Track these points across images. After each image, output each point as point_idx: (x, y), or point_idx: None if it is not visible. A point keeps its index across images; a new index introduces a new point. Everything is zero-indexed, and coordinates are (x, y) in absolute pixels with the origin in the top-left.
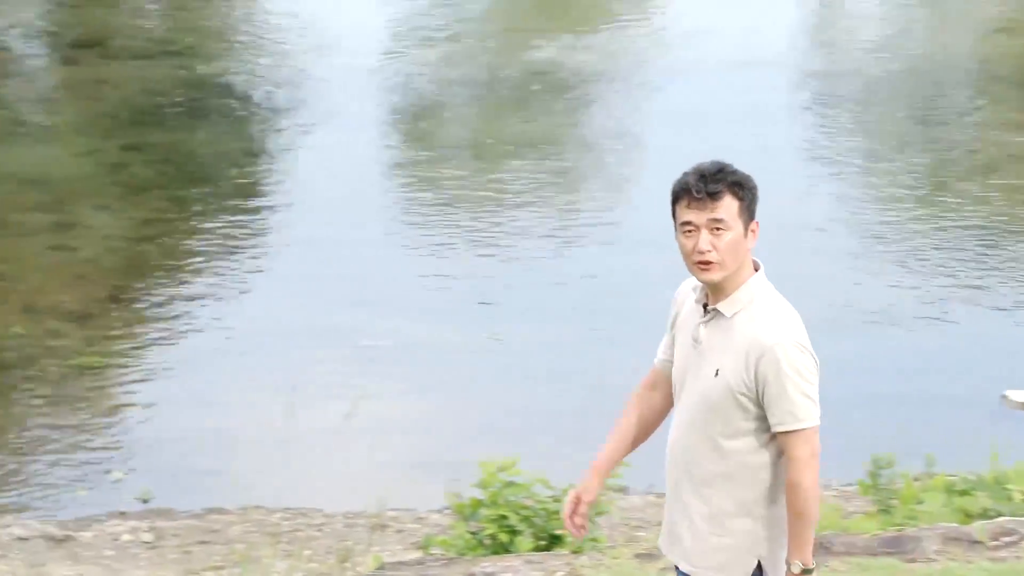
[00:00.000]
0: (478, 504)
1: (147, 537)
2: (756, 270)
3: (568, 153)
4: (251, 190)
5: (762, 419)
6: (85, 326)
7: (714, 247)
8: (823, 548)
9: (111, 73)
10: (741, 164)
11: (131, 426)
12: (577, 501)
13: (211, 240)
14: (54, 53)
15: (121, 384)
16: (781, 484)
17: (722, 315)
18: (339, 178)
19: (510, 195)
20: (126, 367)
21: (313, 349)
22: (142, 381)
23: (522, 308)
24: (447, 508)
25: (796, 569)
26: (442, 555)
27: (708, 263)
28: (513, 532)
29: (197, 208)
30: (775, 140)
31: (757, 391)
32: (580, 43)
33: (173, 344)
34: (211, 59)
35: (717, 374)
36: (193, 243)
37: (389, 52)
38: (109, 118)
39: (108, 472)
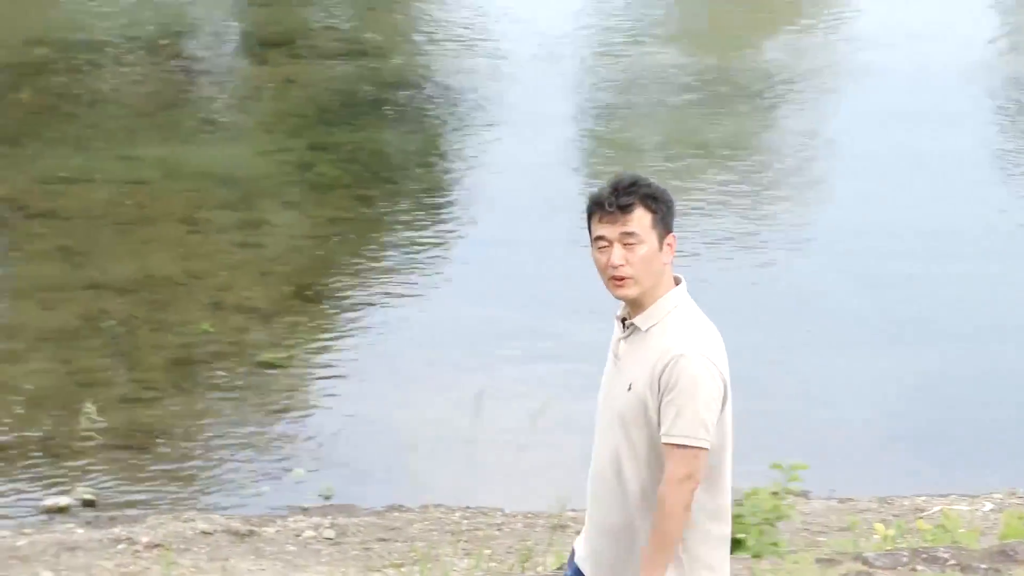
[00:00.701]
0: None
1: (329, 533)
2: (677, 284)
3: (758, 155)
4: (435, 189)
5: None
6: (270, 323)
7: (627, 261)
8: (1007, 556)
9: (299, 72)
10: (938, 169)
11: (314, 423)
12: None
13: (395, 239)
14: (244, 52)
15: (305, 381)
16: (706, 504)
17: (639, 329)
18: (524, 177)
19: (699, 197)
20: (310, 365)
21: (496, 349)
22: (325, 379)
23: (710, 310)
24: None
25: None
26: None
27: (622, 278)
28: None
29: (382, 207)
30: (968, 144)
31: (658, 399)
32: (770, 45)
33: (356, 342)
34: (398, 58)
35: (630, 388)
36: (377, 242)
37: (578, 52)
38: (297, 117)
39: (291, 469)
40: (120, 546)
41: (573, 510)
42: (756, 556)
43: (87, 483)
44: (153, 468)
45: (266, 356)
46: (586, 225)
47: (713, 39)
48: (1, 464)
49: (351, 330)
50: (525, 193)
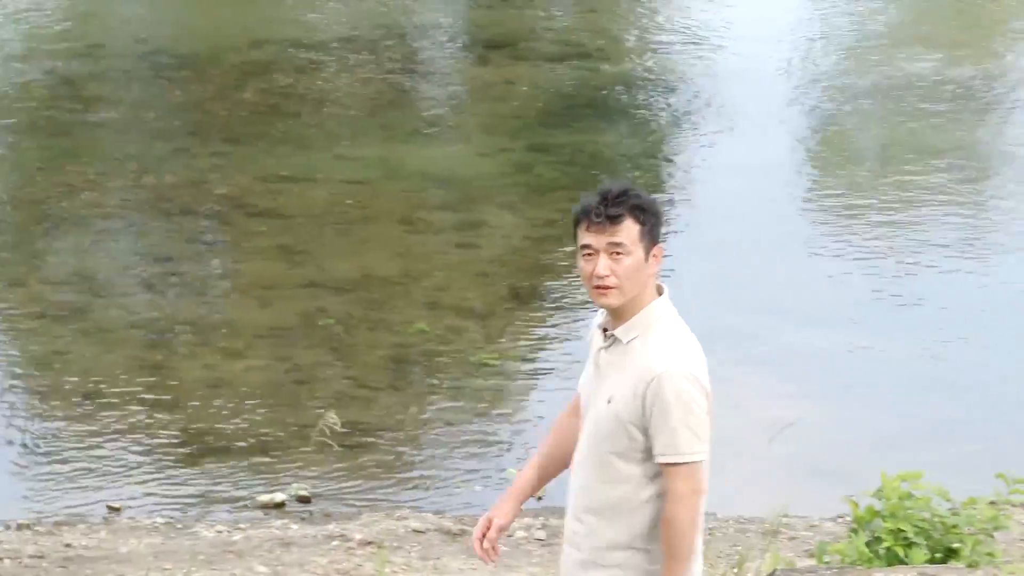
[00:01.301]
0: (874, 514)
1: (540, 534)
2: (660, 294)
3: (975, 160)
4: (654, 191)
5: (650, 450)
6: (485, 324)
7: (613, 272)
8: None
9: (520, 74)
10: None
11: (527, 423)
12: (488, 524)
13: None
14: (466, 53)
15: (519, 382)
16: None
17: (619, 341)
18: (746, 180)
19: (916, 202)
20: (524, 365)
21: (713, 352)
22: (540, 379)
23: (928, 315)
24: (841, 517)
25: None
26: (834, 564)
27: (606, 287)
28: (908, 544)
29: None
30: None
31: (644, 420)
32: (980, 52)
33: (571, 344)
34: (619, 61)
35: (610, 401)
36: None
37: (793, 57)
38: (516, 119)
39: (503, 469)
40: (334, 543)
41: (786, 516)
42: (971, 566)
43: (302, 480)
44: (368, 466)
45: (481, 356)
46: (572, 232)
47: (925, 47)
48: (218, 460)
49: (566, 331)
50: (747, 196)
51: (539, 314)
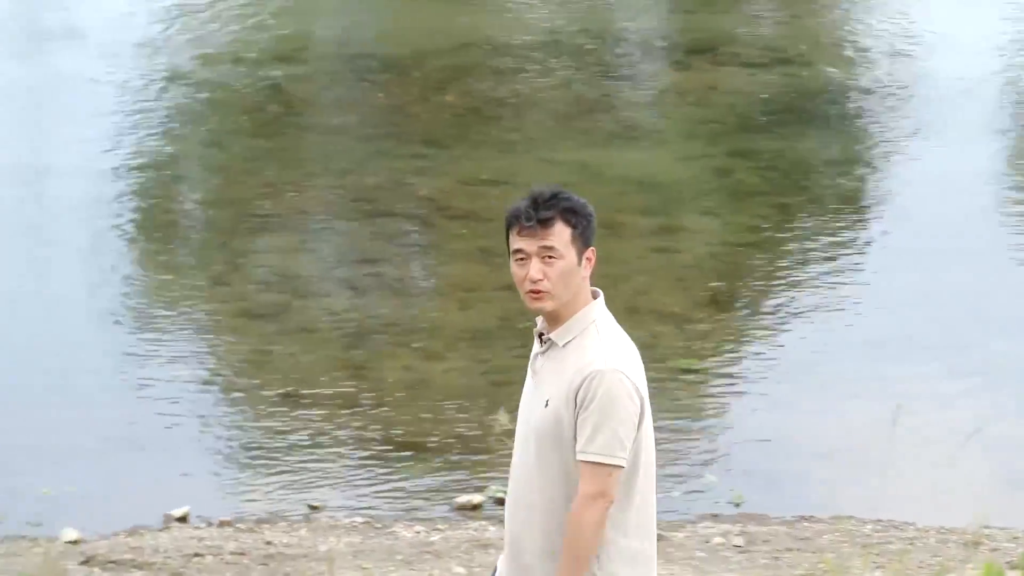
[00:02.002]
0: None
1: (738, 541)
2: (595, 298)
3: None
4: (855, 198)
5: None
6: (685, 329)
7: (546, 275)
8: None
9: (721, 79)
10: None
11: (726, 429)
12: None
13: (813, 248)
14: (666, 58)
15: (718, 387)
16: (618, 520)
17: (556, 344)
18: (947, 188)
19: None
20: (724, 371)
21: (914, 362)
22: (739, 385)
23: None
24: None
25: None
26: None
27: (539, 292)
28: None
29: (800, 215)
30: None
31: (575, 419)
32: None
33: (771, 350)
34: (822, 67)
35: (547, 404)
36: (793, 251)
37: (998, 65)
38: (717, 124)
39: (702, 475)
40: None
41: (987, 527)
42: None
43: (499, 481)
44: None
45: (680, 362)
46: (504, 237)
47: None
48: (417, 461)
49: (765, 338)
50: (951, 204)
51: (739, 320)
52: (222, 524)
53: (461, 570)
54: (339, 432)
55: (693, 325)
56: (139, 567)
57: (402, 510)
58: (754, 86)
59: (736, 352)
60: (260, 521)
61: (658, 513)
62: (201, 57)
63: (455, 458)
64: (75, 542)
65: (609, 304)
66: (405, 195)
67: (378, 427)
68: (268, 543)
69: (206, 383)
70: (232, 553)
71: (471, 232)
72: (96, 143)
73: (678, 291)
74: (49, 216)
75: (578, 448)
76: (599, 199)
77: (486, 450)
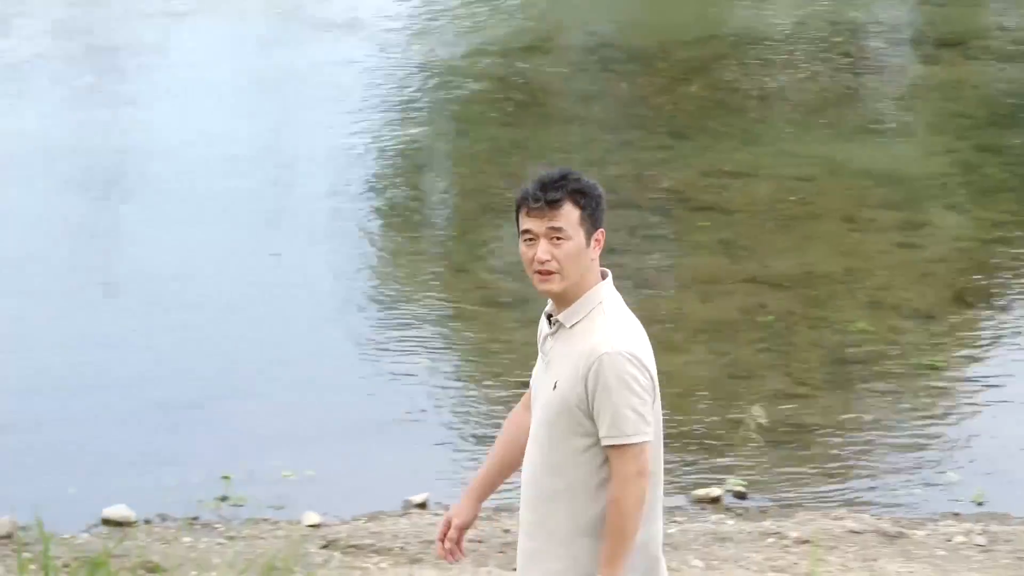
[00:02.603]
0: None
1: (980, 540)
2: (604, 279)
3: None
4: None
5: (597, 434)
6: (928, 326)
7: (553, 256)
8: None
9: (971, 73)
10: None
11: (969, 427)
12: (448, 524)
13: None
14: (916, 51)
15: (962, 385)
16: None
17: (563, 326)
18: None
19: None
20: (968, 369)
21: None
22: (981, 384)
23: None
24: None
25: None
26: None
27: (548, 273)
28: None
29: None
30: None
31: (588, 403)
32: None
33: (1015, 349)
34: None
35: (555, 387)
36: None
37: None
38: (965, 118)
39: (944, 472)
40: (769, 540)
41: None
42: None
43: (739, 475)
44: (805, 464)
45: (924, 359)
46: (515, 218)
47: None
48: None
49: (1011, 337)
50: None
51: (985, 317)
52: None
53: (699, 563)
54: None
55: (937, 322)
56: (378, 552)
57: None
58: (1004, 81)
59: (981, 350)
60: (498, 509)
61: (899, 509)
62: (451, 48)
63: (693, 450)
64: (316, 526)
65: (849, 298)
66: (647, 186)
67: None
68: (506, 531)
69: (446, 372)
70: (470, 540)
71: (713, 224)
72: (345, 130)
73: (922, 287)
74: (297, 202)
75: (603, 434)
76: (842, 193)
77: (725, 443)
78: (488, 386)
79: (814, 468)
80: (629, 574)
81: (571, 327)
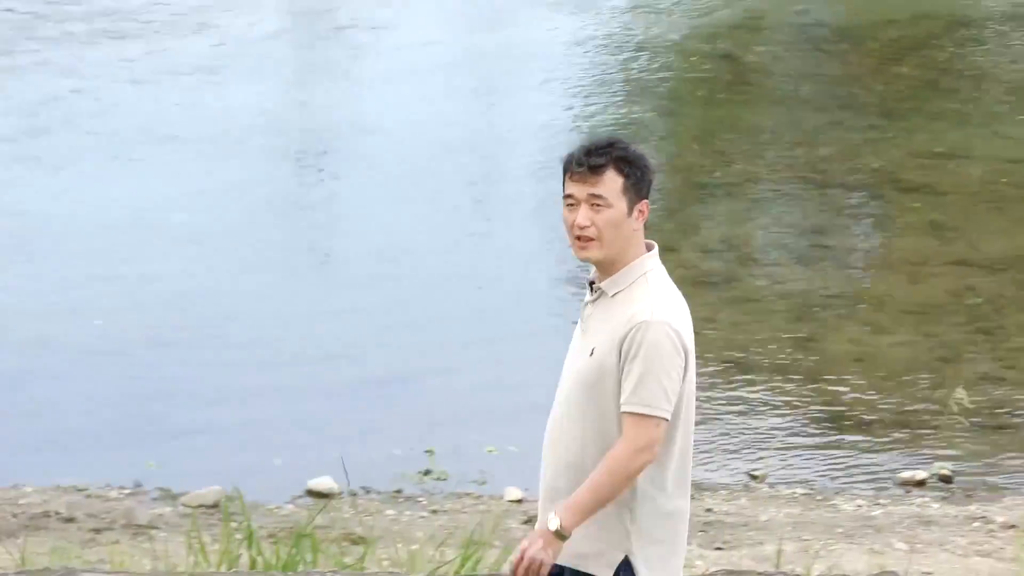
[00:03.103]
0: None
1: None
2: (649, 250)
3: None
4: None
5: None
6: None
7: (593, 223)
8: None
9: None
10: None
11: None
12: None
13: None
14: None
15: None
16: (655, 476)
17: (605, 294)
18: None
19: None
20: None
21: None
22: None
23: None
24: None
25: (552, 525)
26: None
27: (587, 239)
28: None
29: None
30: None
31: (620, 370)
32: None
33: None
34: None
35: (592, 353)
36: None
37: None
38: None
39: None
40: (975, 524)
41: None
42: None
43: (945, 459)
44: (1012, 448)
45: None
46: (561, 182)
47: None
48: (860, 434)
49: None
50: None
51: None
52: None
53: (903, 546)
54: (782, 403)
55: None
56: None
57: (843, 483)
58: None
59: None
60: (700, 488)
61: None
62: (668, 27)
63: (898, 433)
64: (518, 501)
65: None
66: (856, 166)
67: (822, 399)
68: (708, 510)
69: None
70: None
71: (924, 205)
72: (562, 105)
73: None
74: (507, 179)
75: (622, 399)
76: None
77: (932, 426)
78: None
79: (1022, 453)
80: (651, 546)
81: (613, 296)
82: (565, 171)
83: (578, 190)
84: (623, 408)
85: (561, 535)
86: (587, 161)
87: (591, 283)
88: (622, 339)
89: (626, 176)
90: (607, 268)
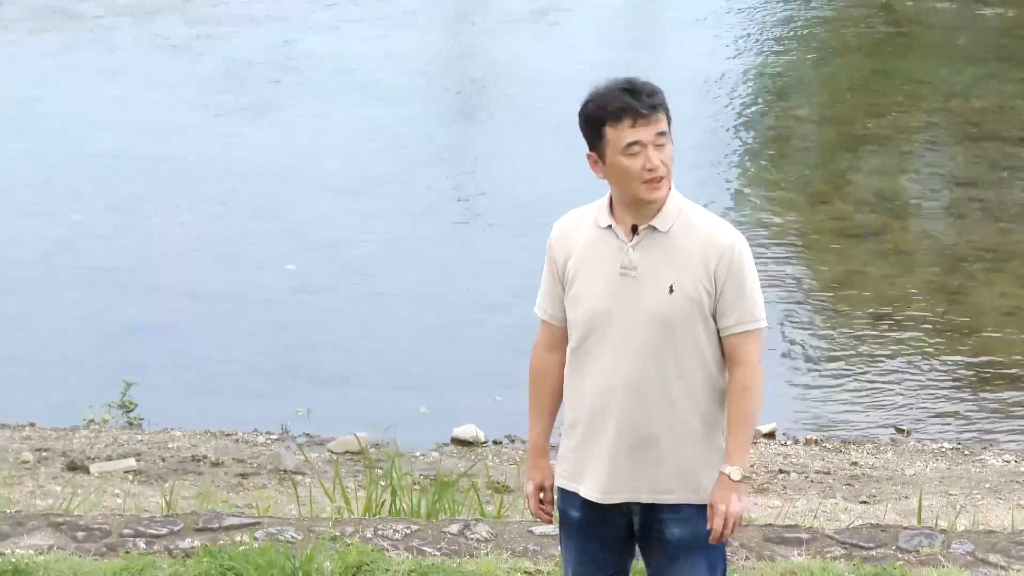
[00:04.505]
0: None
1: None
2: None
3: None
4: None
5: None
6: None
7: (662, 162)
8: None
9: None
10: None
11: None
12: (540, 488)
13: None
14: None
15: None
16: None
17: (657, 230)
18: None
19: None
20: None
21: None
22: None
23: None
24: None
25: (737, 475)
26: None
27: (659, 179)
28: None
29: None
30: None
31: (715, 296)
32: None
33: None
34: None
35: (672, 290)
36: None
37: None
38: None
39: None
40: None
41: None
42: None
43: None
44: None
45: None
46: (594, 137)
47: None
48: (1010, 388)
49: None
50: None
51: None
52: (808, 442)
53: None
54: (931, 356)
55: None
56: None
57: (991, 438)
58: None
59: None
60: (846, 441)
61: None
62: None
63: None
64: None
65: None
66: (1012, 119)
67: (971, 353)
68: (854, 464)
69: (799, 301)
70: (817, 472)
71: None
72: (720, 55)
73: None
74: None
75: (734, 321)
76: None
77: None
78: (840, 318)
79: None
80: (707, 470)
81: (667, 231)
82: (618, 120)
83: (644, 134)
84: (737, 330)
85: (747, 478)
86: (650, 102)
87: (634, 227)
88: (716, 263)
89: (667, 112)
90: (655, 207)
